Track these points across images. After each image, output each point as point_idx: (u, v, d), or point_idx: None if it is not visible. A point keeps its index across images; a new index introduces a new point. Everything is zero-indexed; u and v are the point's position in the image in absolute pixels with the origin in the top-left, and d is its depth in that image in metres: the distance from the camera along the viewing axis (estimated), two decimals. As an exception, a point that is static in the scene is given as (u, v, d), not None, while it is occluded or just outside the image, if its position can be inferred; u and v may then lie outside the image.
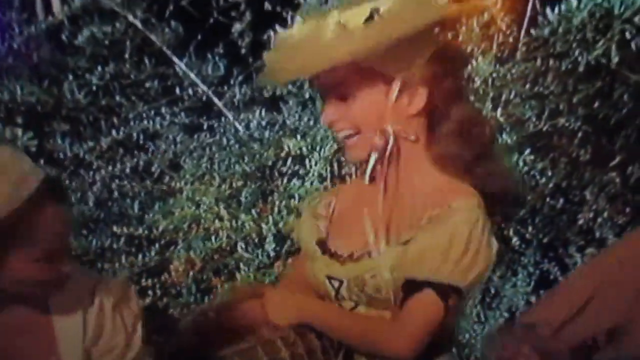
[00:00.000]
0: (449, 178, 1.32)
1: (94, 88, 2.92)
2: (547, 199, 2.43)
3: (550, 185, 2.43)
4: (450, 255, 1.26)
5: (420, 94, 1.28)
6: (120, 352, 1.14)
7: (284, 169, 2.57)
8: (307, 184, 2.49)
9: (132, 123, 2.83)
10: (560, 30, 2.29)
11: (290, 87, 2.77)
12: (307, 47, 1.27)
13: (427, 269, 1.27)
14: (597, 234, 2.43)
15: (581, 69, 2.31)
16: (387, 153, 1.28)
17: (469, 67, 2.49)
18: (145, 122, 2.82)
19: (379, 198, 1.30)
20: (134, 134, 2.81)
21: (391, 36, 1.23)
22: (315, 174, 2.48)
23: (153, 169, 2.80)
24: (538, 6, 2.41)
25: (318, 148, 2.52)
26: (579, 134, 2.45)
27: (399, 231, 1.31)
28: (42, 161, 2.73)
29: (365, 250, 1.32)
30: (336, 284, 1.35)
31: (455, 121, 1.30)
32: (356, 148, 1.31)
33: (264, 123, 2.73)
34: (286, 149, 2.57)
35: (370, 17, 1.24)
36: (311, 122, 2.68)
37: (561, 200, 2.45)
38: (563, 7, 2.28)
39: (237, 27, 2.90)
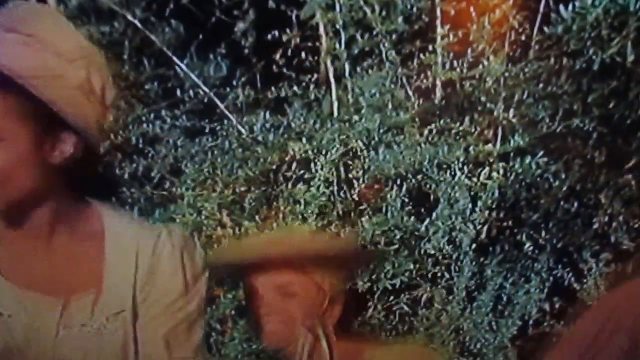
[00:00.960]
0: None
1: (92, 90, 2.85)
2: (561, 203, 2.39)
3: (564, 188, 2.39)
4: None
5: (336, 309, 1.40)
6: (173, 303, 1.05)
7: (289, 174, 2.52)
8: (313, 188, 2.43)
9: (131, 127, 2.76)
10: (574, 27, 2.24)
11: (295, 88, 2.71)
12: (280, 240, 1.43)
13: None
14: (612, 239, 2.40)
15: (596, 67, 2.27)
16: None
17: (481, 66, 2.45)
18: (145, 125, 2.76)
19: None
20: (133, 138, 2.74)
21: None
22: (321, 178, 2.42)
23: (153, 174, 2.73)
24: (551, 3, 2.36)
25: (324, 152, 2.47)
26: (594, 135, 2.41)
27: None
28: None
29: None
30: None
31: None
32: (282, 339, 1.39)
33: (268, 126, 2.66)
34: (291, 152, 2.52)
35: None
36: (317, 125, 2.62)
37: (575, 204, 2.41)
38: (577, 3, 2.22)
39: (240, 26, 2.83)
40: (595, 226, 2.41)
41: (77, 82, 1.00)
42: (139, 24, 2.82)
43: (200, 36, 2.89)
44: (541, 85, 2.42)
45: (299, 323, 1.38)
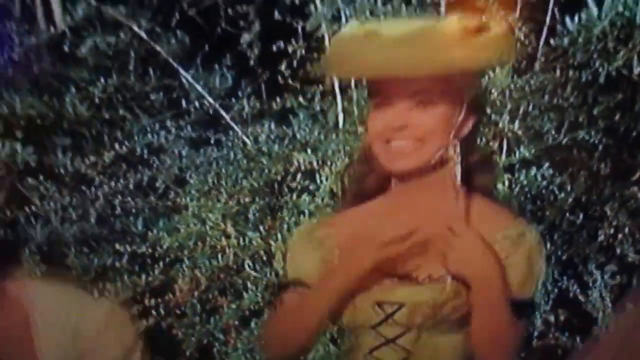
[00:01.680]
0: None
1: (97, 101, 2.85)
2: (567, 215, 2.39)
3: (570, 200, 2.39)
4: (532, 273, 1.32)
5: (470, 121, 1.31)
6: None
7: (294, 184, 2.51)
8: (318, 199, 2.43)
9: (136, 137, 2.76)
10: (580, 40, 2.25)
11: (300, 99, 2.71)
12: (425, 44, 1.22)
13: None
14: (618, 251, 2.39)
15: (602, 80, 2.28)
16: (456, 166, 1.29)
17: (486, 78, 2.45)
18: (150, 136, 2.75)
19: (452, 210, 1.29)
20: (138, 149, 2.73)
21: (503, 54, 1.28)
22: (326, 189, 2.42)
23: (157, 184, 2.72)
24: (557, 15, 2.37)
25: (329, 163, 2.47)
26: (599, 147, 2.41)
27: None
28: (41, 177, 2.66)
29: (446, 273, 1.29)
30: (390, 309, 1.29)
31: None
32: (412, 156, 1.28)
33: (273, 137, 2.67)
34: (296, 163, 2.52)
35: (478, 30, 1.24)
36: (322, 136, 2.63)
37: (581, 216, 2.41)
38: (583, 16, 2.24)
39: (246, 37, 2.84)
40: (601, 238, 2.41)
41: None
42: (144, 35, 2.83)
43: (206, 47, 2.90)
44: (547, 97, 2.43)
45: (434, 140, 1.25)
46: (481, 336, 1.28)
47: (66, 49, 2.89)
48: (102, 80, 2.82)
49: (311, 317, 1.31)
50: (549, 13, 2.40)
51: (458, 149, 1.27)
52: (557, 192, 2.39)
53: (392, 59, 1.22)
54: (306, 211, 2.43)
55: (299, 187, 2.50)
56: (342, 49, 1.31)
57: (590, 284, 2.41)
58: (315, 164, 2.50)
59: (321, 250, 1.36)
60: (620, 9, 2.16)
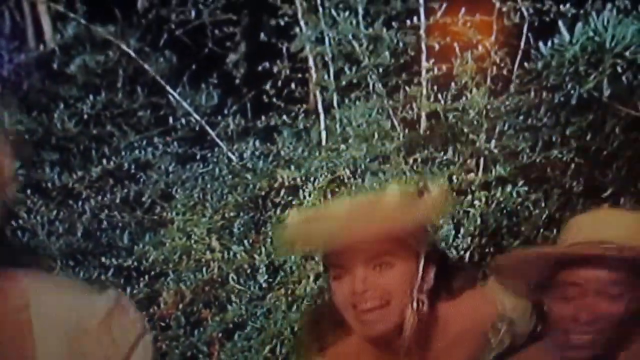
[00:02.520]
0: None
1: (85, 117, 2.90)
2: (541, 230, 2.43)
3: (544, 216, 2.43)
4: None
5: (431, 272, 1.35)
6: None
7: (278, 200, 2.55)
8: (301, 214, 2.46)
9: (123, 153, 2.81)
10: (553, 63, 2.31)
11: (285, 117, 2.77)
12: (367, 213, 1.30)
13: None
14: None
15: (574, 101, 2.33)
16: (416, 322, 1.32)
17: (464, 99, 2.52)
18: (137, 151, 2.80)
19: None
20: (125, 164, 2.78)
21: (442, 210, 1.41)
22: (309, 205, 2.46)
23: (144, 199, 2.77)
24: (531, 40, 2.44)
25: (312, 179, 2.51)
26: (572, 166, 2.46)
27: None
28: (29, 191, 2.69)
29: None
30: None
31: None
32: (382, 321, 1.31)
33: (257, 153, 2.72)
34: (280, 179, 2.55)
35: (421, 193, 1.33)
36: (305, 153, 2.67)
37: (555, 231, 2.44)
38: (556, 40, 2.31)
39: (232, 57, 2.91)
40: None
41: None
42: (133, 54, 2.89)
43: (193, 66, 2.96)
44: (522, 117, 2.49)
45: (398, 299, 1.28)
46: None
47: (56, 66, 2.94)
48: (91, 97, 2.87)
49: None
50: (524, 38, 2.48)
51: (424, 303, 1.31)
52: (532, 208, 2.43)
53: (341, 232, 1.30)
54: (289, 226, 2.47)
55: (283, 202, 2.54)
56: (292, 234, 1.37)
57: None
58: (298, 180, 2.54)
59: None
60: (591, 34, 2.23)
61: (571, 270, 1.26)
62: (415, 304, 1.29)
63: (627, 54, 2.21)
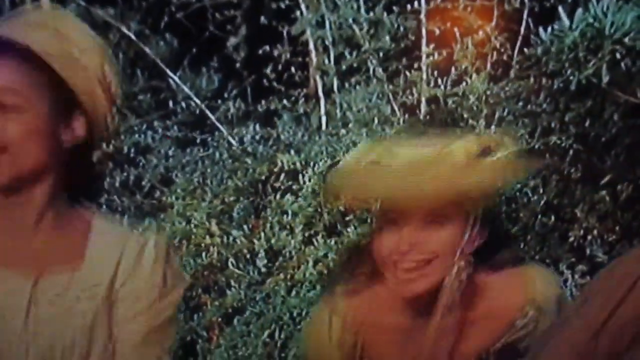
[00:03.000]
0: None
1: (85, 100, 2.90)
2: (539, 217, 2.44)
3: (542, 202, 2.44)
4: None
5: (480, 236, 1.28)
6: (151, 306, 1.06)
7: (277, 185, 2.56)
8: (301, 199, 2.48)
9: (123, 136, 2.81)
10: (553, 49, 2.31)
11: (285, 102, 2.77)
12: (430, 170, 1.23)
13: None
14: (588, 252, 2.44)
15: (573, 88, 2.33)
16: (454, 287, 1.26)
17: (464, 84, 2.52)
18: (137, 135, 2.81)
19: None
20: (125, 148, 2.79)
21: (509, 176, 1.29)
22: (309, 189, 2.47)
23: (143, 183, 2.78)
24: (532, 25, 2.44)
25: (312, 164, 2.52)
26: (571, 152, 2.47)
27: None
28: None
29: None
30: None
31: None
32: (420, 281, 1.26)
33: (257, 138, 2.72)
34: (280, 164, 2.56)
35: (483, 154, 1.25)
36: (305, 138, 2.68)
37: (553, 218, 2.46)
38: (556, 26, 2.30)
39: (233, 40, 2.91)
40: (572, 239, 2.46)
41: (93, 67, 1.06)
42: (133, 37, 2.88)
43: (194, 50, 2.96)
44: (521, 103, 2.49)
45: (440, 259, 1.23)
46: None
47: (56, 49, 2.94)
48: (91, 80, 2.87)
49: None
50: (524, 23, 2.47)
51: (464, 268, 1.24)
52: (530, 194, 2.44)
53: (398, 187, 1.23)
54: (289, 211, 2.48)
55: (283, 187, 2.55)
56: (345, 180, 1.31)
57: (562, 284, 2.47)
58: (298, 164, 2.55)
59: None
60: (590, 20, 2.22)
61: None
62: (456, 268, 1.24)
63: (626, 40, 2.21)
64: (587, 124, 2.43)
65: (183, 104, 2.90)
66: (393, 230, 1.26)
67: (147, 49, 2.90)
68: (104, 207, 2.76)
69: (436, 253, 1.24)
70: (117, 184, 2.75)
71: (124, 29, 2.87)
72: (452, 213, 1.24)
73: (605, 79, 2.26)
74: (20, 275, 1.02)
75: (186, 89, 2.90)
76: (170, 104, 2.92)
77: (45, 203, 1.05)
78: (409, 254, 1.24)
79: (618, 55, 2.25)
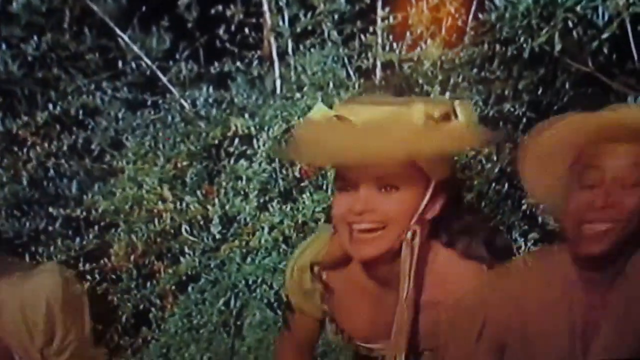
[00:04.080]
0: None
1: (29, 59, 2.78)
2: (493, 184, 2.47)
3: (496, 170, 2.46)
4: None
5: (438, 202, 1.27)
6: (74, 348, 1.12)
7: (231, 149, 2.52)
8: (255, 164, 2.45)
9: (70, 98, 2.72)
10: (507, 15, 2.30)
11: (238, 64, 2.71)
12: (386, 130, 1.20)
13: None
14: (540, 219, 2.49)
15: (526, 55, 2.34)
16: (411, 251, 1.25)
17: (419, 49, 2.51)
18: (85, 96, 2.72)
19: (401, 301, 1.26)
20: (73, 110, 2.70)
21: (467, 143, 1.28)
22: (263, 154, 2.44)
23: (93, 146, 2.71)
24: (486, -9, 2.43)
25: (266, 128, 2.48)
26: (524, 120, 2.49)
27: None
28: (-30, 138, 2.60)
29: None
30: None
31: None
32: (374, 244, 1.24)
33: (210, 100, 2.67)
34: (233, 128, 2.52)
35: (442, 118, 1.23)
36: (259, 101, 2.64)
37: (506, 185, 2.49)
38: (510, -8, 2.29)
39: (184, 0, 2.81)
40: (524, 207, 2.50)
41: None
42: (80, -6, 2.76)
43: (143, 8, 2.85)
44: (475, 70, 2.50)
45: (395, 224, 1.22)
46: None
47: (-3, 4, 2.80)
48: (35, 38, 2.75)
49: None
50: (479, -12, 2.46)
51: (418, 234, 1.23)
52: (484, 162, 2.47)
53: (355, 146, 1.20)
54: (243, 176, 2.45)
55: (237, 151, 2.51)
56: (309, 135, 1.28)
57: (515, 250, 2.52)
58: (252, 129, 2.51)
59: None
60: (544, -13, 2.23)
61: (596, 152, 1.21)
62: (410, 234, 1.23)
63: (577, 8, 2.22)
64: (539, 92, 2.46)
65: (133, 64, 2.81)
66: (350, 191, 1.25)
67: (94, 6, 2.78)
68: (52, 171, 2.68)
69: (391, 218, 1.23)
70: (64, 148, 2.67)
71: (70, -15, 2.74)
72: (409, 178, 1.23)
73: (558, 47, 2.27)
74: None
75: (136, 49, 2.81)
76: (120, 64, 2.82)
77: None
78: (364, 215, 1.23)
79: (570, 24, 2.27)
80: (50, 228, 2.54)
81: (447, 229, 1.29)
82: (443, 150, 1.24)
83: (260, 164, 2.45)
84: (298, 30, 2.73)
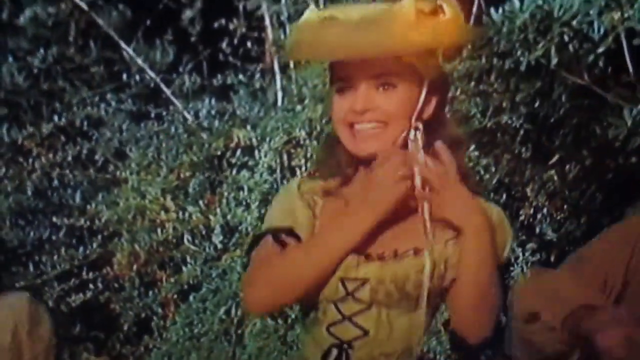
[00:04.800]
0: None
1: (35, 71, 2.83)
2: (491, 195, 2.49)
3: (494, 181, 2.49)
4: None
5: (432, 102, 1.32)
6: None
7: (233, 160, 2.55)
8: (256, 175, 2.47)
9: (75, 109, 2.76)
10: (504, 30, 2.34)
11: (240, 77, 2.75)
12: (382, 26, 1.24)
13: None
14: (537, 229, 2.51)
15: (523, 68, 2.37)
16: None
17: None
18: (90, 108, 2.75)
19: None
20: (77, 121, 2.73)
21: (457, 37, 1.30)
22: (265, 165, 2.47)
23: (97, 157, 2.74)
24: (483, 6, 2.46)
25: (268, 139, 2.51)
26: (521, 132, 2.52)
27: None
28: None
29: (410, 248, 1.32)
30: (353, 286, 1.32)
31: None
32: (376, 140, 1.30)
33: (213, 112, 2.70)
34: (235, 139, 2.55)
35: (433, 12, 1.26)
36: (261, 113, 2.68)
37: (504, 196, 2.52)
38: (507, 7, 2.33)
39: (188, 13, 2.86)
40: (522, 217, 2.52)
41: None
42: (85, 7, 2.81)
43: (148, 21, 2.90)
44: (473, 83, 2.53)
45: (396, 122, 1.27)
46: (466, 298, 1.29)
47: (5, 17, 2.84)
48: (42, 50, 2.80)
49: (312, 271, 1.30)
50: (476, 3, 2.50)
51: (420, 131, 1.29)
52: (482, 172, 2.49)
53: (350, 42, 1.25)
54: (245, 186, 2.48)
55: (238, 162, 2.54)
56: (302, 34, 1.32)
57: (512, 260, 2.53)
58: (254, 140, 2.54)
59: (309, 208, 1.36)
60: (540, 2, 2.25)
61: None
62: (413, 131, 1.28)
63: (574, 23, 2.25)
64: (536, 104, 2.49)
65: (137, 77, 2.86)
66: (349, 91, 1.30)
67: (99, 20, 2.83)
68: (56, 181, 2.72)
69: (392, 115, 1.29)
70: (69, 158, 2.71)
71: (76, -1, 2.80)
72: (403, 76, 1.28)
73: (554, 61, 2.30)
74: None
75: (140, 62, 2.85)
76: (124, 76, 2.86)
77: None
78: (365, 114, 1.29)
79: (566, 38, 2.30)
80: (54, 237, 2.57)
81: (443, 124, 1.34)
82: (434, 42, 1.28)
83: (261, 175, 2.48)
84: (299, 43, 2.76)
